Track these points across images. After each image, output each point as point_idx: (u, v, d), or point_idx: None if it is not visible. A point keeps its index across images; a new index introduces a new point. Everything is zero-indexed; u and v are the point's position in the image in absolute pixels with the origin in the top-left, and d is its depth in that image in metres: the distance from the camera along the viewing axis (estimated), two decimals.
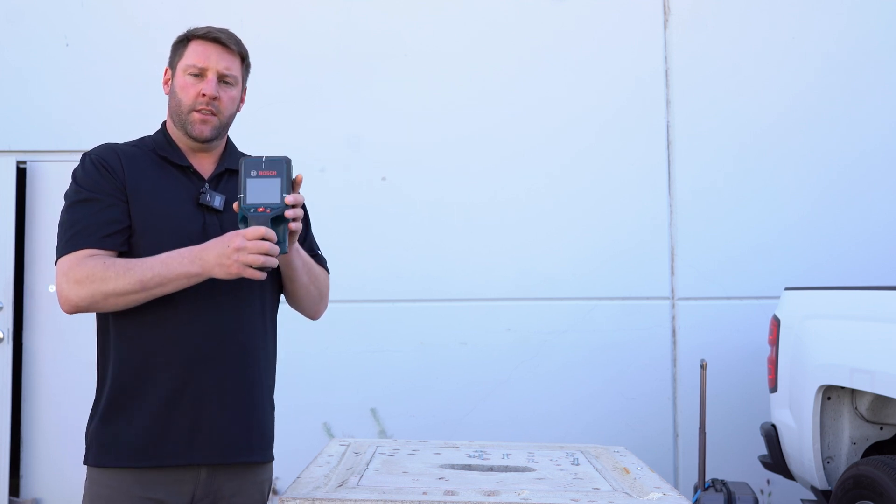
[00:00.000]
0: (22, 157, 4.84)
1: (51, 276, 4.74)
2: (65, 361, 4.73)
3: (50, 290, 4.76)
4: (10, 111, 4.84)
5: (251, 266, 1.78)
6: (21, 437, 4.76)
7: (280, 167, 1.81)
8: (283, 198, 1.80)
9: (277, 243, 1.80)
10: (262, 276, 1.81)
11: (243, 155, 2.13)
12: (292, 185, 1.83)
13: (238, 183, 1.82)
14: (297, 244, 1.97)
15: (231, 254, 1.77)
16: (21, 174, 4.84)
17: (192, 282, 1.84)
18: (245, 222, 1.80)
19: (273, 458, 2.08)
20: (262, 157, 1.83)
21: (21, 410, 4.77)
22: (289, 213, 1.81)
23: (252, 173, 1.81)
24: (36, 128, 4.84)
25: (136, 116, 4.67)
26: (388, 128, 4.87)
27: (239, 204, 1.80)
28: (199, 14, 4.76)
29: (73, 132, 4.81)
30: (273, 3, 4.93)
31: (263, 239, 1.77)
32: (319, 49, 4.90)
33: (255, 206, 1.79)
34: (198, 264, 1.81)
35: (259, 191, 1.80)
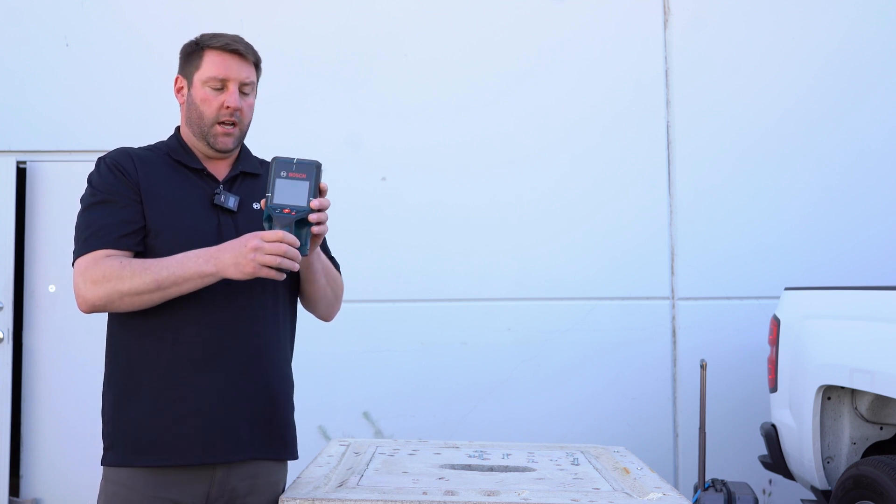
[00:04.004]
0: (22, 157, 4.84)
1: (51, 276, 4.74)
2: (65, 361, 4.73)
3: (50, 289, 4.76)
4: (10, 111, 4.84)
5: (268, 266, 1.78)
6: (21, 437, 4.76)
7: (310, 171, 1.83)
8: (309, 201, 1.81)
9: (300, 246, 1.81)
10: (280, 276, 1.82)
11: (258, 159, 2.15)
12: (319, 191, 1.84)
13: (266, 181, 1.83)
14: (318, 247, 1.98)
15: (247, 253, 1.78)
16: (21, 174, 4.84)
17: (207, 282, 1.85)
18: (269, 221, 1.82)
19: (288, 458, 2.08)
20: (294, 158, 1.84)
21: (21, 410, 4.77)
22: (313, 217, 1.82)
23: (282, 174, 1.82)
24: (36, 128, 4.83)
25: (137, 116, 4.70)
26: (389, 128, 4.87)
27: (266, 202, 1.81)
28: (198, 14, 4.76)
29: (73, 132, 4.81)
30: (272, 4, 4.93)
31: (281, 242, 1.78)
32: (319, 49, 4.90)
33: (282, 207, 1.80)
34: (212, 263, 1.83)
35: (287, 192, 1.81)
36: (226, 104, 1.98)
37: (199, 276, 1.84)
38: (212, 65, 1.99)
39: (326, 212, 1.85)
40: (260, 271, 1.79)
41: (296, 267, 1.81)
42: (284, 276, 1.83)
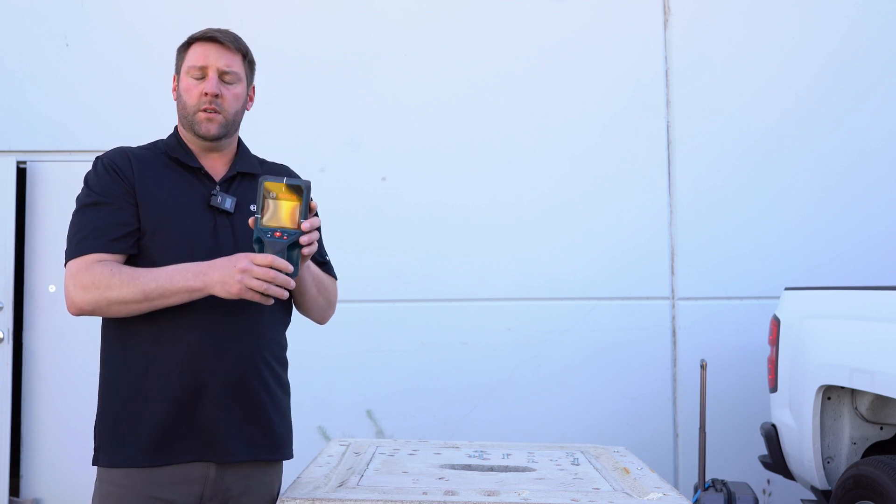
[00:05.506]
0: (22, 157, 4.84)
1: (51, 276, 4.74)
2: (65, 361, 4.73)
3: (50, 289, 4.76)
4: (10, 111, 4.84)
5: (254, 290, 1.77)
6: (21, 437, 4.76)
7: (300, 192, 1.80)
8: (300, 224, 1.79)
9: (291, 271, 1.78)
10: (268, 301, 1.80)
11: (257, 158, 2.14)
12: (309, 211, 1.82)
13: (256, 201, 1.80)
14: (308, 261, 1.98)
15: (235, 273, 1.78)
16: (21, 174, 4.83)
17: (195, 296, 1.85)
18: (260, 243, 1.79)
19: (283, 458, 2.08)
20: (283, 179, 1.81)
21: (21, 410, 4.77)
22: (304, 240, 1.80)
23: (271, 195, 1.79)
24: (36, 128, 4.83)
25: (137, 116, 4.70)
26: (389, 128, 4.87)
27: (255, 223, 1.79)
28: (198, 14, 4.76)
29: (73, 132, 4.81)
30: (272, 4, 4.93)
31: (271, 267, 1.76)
32: (319, 49, 4.90)
33: (273, 231, 1.78)
34: (200, 279, 1.82)
35: (277, 214, 1.79)
36: (204, 91, 1.98)
37: (186, 291, 1.84)
38: (193, 54, 2.01)
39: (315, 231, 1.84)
40: (245, 293, 1.78)
41: (285, 295, 1.79)
42: (272, 301, 1.81)
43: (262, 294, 1.78)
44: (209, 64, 1.99)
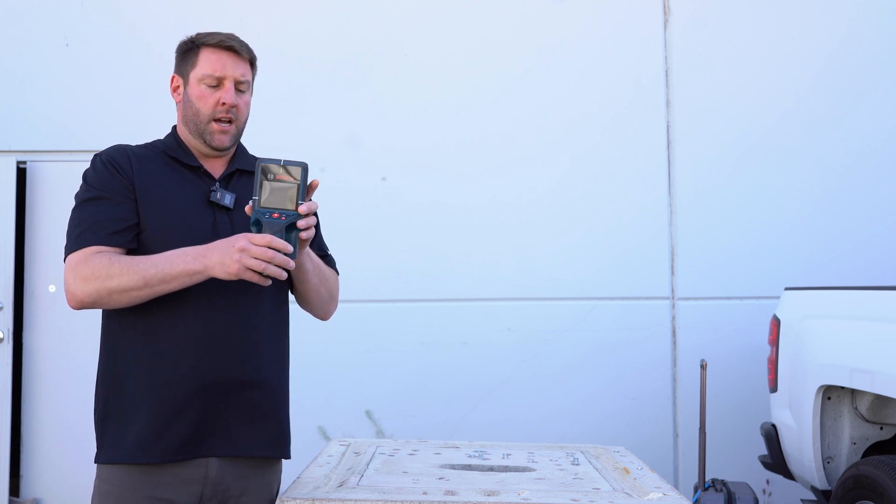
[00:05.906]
0: (22, 157, 4.84)
1: (51, 276, 4.74)
2: (65, 361, 4.73)
3: (50, 289, 4.75)
4: (10, 111, 4.84)
5: (252, 270, 1.76)
6: (21, 437, 4.76)
7: (298, 173, 1.78)
8: (298, 205, 1.77)
9: (290, 252, 1.77)
10: (265, 282, 1.79)
11: (255, 157, 2.14)
12: (307, 191, 1.80)
13: (253, 184, 1.79)
14: (307, 247, 1.97)
15: (233, 253, 1.77)
16: (21, 174, 4.84)
17: (195, 280, 1.84)
18: (258, 226, 1.77)
19: (282, 457, 2.07)
20: (281, 160, 1.79)
21: (21, 410, 4.77)
22: (301, 223, 1.79)
23: (269, 176, 1.77)
24: (36, 128, 4.83)
25: (137, 116, 4.70)
26: (389, 128, 4.87)
27: (252, 206, 1.77)
28: (198, 14, 4.77)
29: (73, 132, 4.81)
30: (272, 4, 4.94)
31: (269, 247, 1.75)
32: (319, 49, 4.90)
33: (270, 212, 1.76)
34: (200, 261, 1.82)
35: (275, 195, 1.77)
36: (222, 101, 1.99)
37: (186, 274, 1.83)
38: (207, 62, 2.00)
39: (314, 215, 1.83)
40: (244, 273, 1.77)
41: (283, 275, 1.78)
42: (270, 282, 1.80)
43: (261, 274, 1.77)
44: (227, 75, 2.00)
